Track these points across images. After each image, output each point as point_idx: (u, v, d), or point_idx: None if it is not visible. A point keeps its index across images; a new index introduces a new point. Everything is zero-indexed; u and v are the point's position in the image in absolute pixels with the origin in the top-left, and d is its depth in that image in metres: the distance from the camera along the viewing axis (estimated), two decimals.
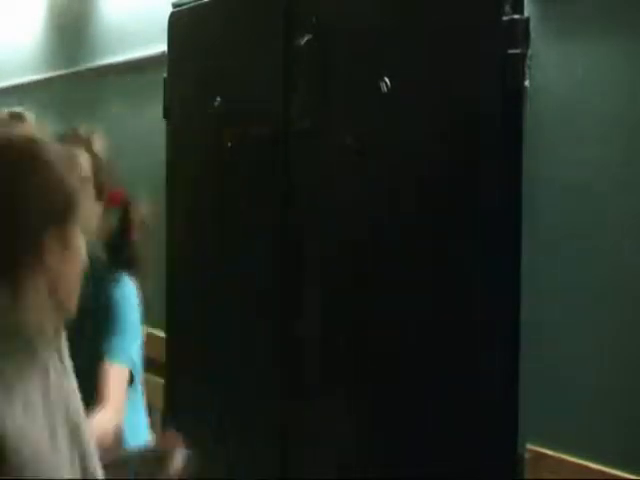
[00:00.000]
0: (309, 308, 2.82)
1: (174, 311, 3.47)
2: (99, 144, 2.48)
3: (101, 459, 1.58)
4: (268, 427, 2.98)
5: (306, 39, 2.80)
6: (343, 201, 2.71)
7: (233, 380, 3.11)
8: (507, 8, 2.19)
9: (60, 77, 4.67)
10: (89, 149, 2.45)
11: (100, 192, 2.44)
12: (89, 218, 2.25)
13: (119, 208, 2.50)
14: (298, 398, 2.85)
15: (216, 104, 3.18)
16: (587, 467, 2.05)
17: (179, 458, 2.19)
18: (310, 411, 2.81)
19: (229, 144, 3.10)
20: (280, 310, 2.94)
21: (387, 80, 2.50)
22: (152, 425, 2.74)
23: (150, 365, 3.50)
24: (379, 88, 2.51)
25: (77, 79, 4.51)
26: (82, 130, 2.48)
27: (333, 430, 2.71)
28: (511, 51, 2.18)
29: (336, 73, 2.74)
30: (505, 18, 2.19)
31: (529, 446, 2.17)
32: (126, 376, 2.43)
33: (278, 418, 2.93)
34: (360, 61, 2.64)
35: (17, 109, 1.63)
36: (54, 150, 1.48)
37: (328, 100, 2.76)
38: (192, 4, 3.40)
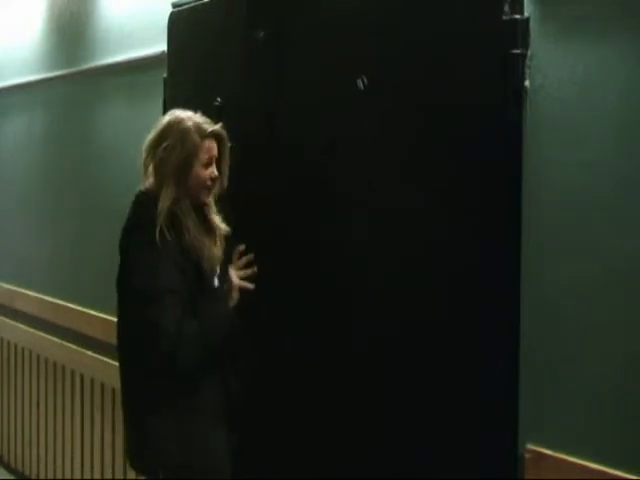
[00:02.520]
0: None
1: None
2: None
3: None
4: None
5: (262, 33, 2.83)
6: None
7: None
8: (507, 8, 2.19)
9: (60, 77, 4.67)
10: None
11: None
12: None
13: None
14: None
15: (216, 104, 3.19)
16: (587, 467, 2.05)
17: None
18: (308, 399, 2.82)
19: (229, 144, 3.10)
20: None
21: (364, 78, 2.53)
22: None
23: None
24: (357, 86, 2.54)
25: (77, 79, 4.51)
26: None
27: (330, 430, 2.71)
28: (511, 51, 2.18)
29: (302, 69, 2.77)
30: (505, 18, 2.19)
31: (529, 446, 2.18)
32: None
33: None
34: (339, 59, 2.66)
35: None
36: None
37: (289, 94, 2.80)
38: (192, 4, 3.40)
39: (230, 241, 2.88)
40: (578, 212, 2.10)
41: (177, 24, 3.48)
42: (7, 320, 5.28)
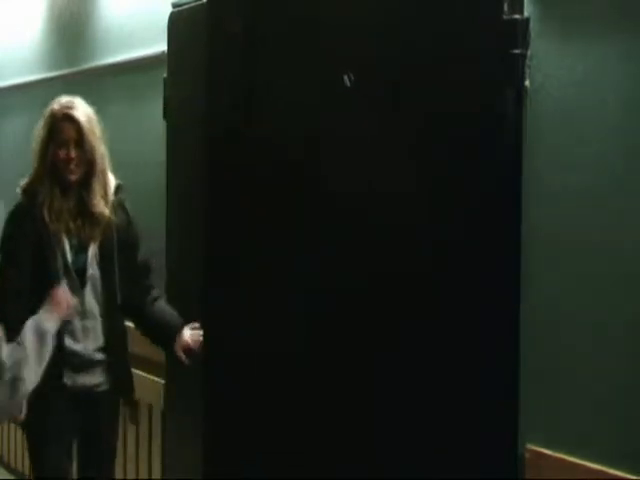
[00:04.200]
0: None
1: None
2: None
3: None
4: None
5: (233, 28, 2.82)
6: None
7: None
8: (507, 8, 2.19)
9: (60, 77, 4.67)
10: None
11: None
12: None
13: None
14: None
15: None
16: (587, 467, 2.05)
17: None
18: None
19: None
20: None
21: (351, 74, 2.52)
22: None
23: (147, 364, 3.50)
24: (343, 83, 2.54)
25: (77, 79, 4.51)
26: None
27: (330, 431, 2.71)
28: (511, 51, 2.18)
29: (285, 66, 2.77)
30: (505, 18, 2.20)
31: (529, 446, 2.18)
32: None
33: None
34: (335, 59, 2.66)
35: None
36: None
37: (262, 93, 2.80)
38: (192, 4, 3.40)
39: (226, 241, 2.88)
40: (578, 212, 2.10)
41: (177, 24, 3.48)
42: None
